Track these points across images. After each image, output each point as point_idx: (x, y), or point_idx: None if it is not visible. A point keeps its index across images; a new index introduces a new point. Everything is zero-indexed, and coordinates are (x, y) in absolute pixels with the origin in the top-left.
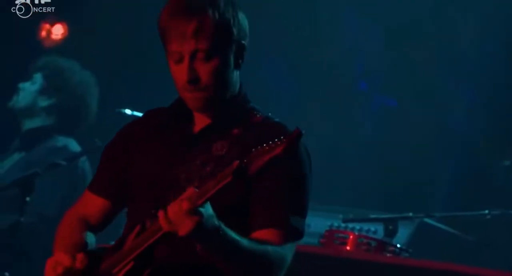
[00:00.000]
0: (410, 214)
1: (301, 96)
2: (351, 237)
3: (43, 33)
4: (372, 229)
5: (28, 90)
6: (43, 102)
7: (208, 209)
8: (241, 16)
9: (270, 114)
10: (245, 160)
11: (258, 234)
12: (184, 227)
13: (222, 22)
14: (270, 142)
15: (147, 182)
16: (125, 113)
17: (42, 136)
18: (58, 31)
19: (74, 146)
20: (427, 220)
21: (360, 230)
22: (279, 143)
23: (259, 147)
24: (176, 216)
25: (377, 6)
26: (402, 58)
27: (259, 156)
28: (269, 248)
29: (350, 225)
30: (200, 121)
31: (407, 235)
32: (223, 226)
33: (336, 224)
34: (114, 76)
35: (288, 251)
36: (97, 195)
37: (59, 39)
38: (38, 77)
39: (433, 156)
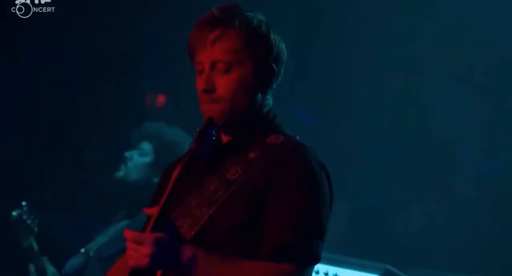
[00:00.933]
0: None
1: (404, 163)
2: None
3: (147, 102)
4: None
5: (138, 162)
6: (157, 178)
7: (161, 235)
8: (277, 39)
9: (297, 137)
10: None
11: (263, 263)
12: (139, 259)
13: (248, 37)
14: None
15: (169, 211)
16: None
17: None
18: (160, 99)
19: None
20: None
21: None
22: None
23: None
24: (131, 249)
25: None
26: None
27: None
28: None
29: None
30: (224, 137)
31: None
32: (197, 252)
33: None
34: None
35: None
36: None
37: (162, 108)
38: (147, 148)
39: None
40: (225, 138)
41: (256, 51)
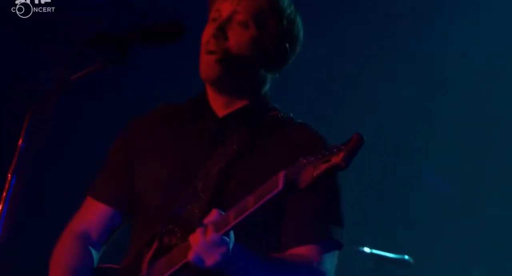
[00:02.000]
0: None
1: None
2: None
3: None
4: None
5: None
6: None
7: (232, 237)
8: (299, 24)
9: (291, 114)
10: (293, 172)
11: (294, 251)
12: (209, 259)
13: (276, 7)
14: (324, 151)
15: (161, 188)
16: (364, 252)
17: None
18: None
19: None
20: None
21: None
22: (335, 151)
23: (308, 157)
24: (200, 248)
25: None
26: None
27: (313, 166)
28: (305, 268)
29: None
30: (219, 112)
31: None
32: (247, 250)
33: None
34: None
35: (328, 265)
36: (100, 202)
37: None
38: None
39: None
40: (219, 101)
41: (278, 20)
